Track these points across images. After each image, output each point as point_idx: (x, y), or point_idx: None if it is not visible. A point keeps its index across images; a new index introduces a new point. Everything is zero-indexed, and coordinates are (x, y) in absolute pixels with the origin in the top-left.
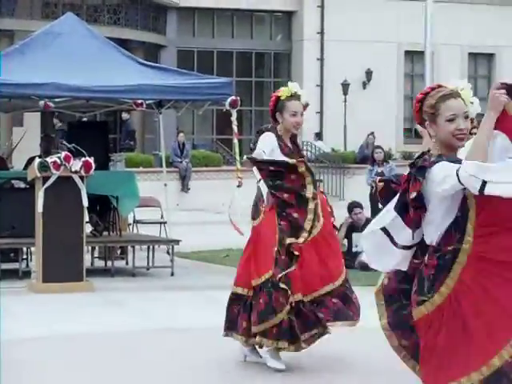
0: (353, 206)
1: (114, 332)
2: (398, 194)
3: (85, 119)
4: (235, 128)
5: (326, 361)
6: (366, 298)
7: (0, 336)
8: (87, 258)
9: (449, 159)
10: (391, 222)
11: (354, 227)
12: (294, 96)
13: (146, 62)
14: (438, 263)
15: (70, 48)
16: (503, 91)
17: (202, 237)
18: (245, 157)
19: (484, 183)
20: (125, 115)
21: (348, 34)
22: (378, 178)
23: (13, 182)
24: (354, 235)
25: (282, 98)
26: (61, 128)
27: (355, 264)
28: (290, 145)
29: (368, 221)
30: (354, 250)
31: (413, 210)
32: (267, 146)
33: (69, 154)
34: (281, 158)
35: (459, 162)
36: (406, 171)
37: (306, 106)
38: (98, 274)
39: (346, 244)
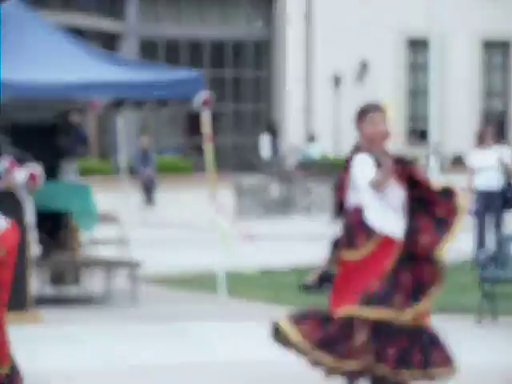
0: None
1: (65, 372)
2: None
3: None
4: (207, 130)
5: None
6: None
7: None
8: (35, 283)
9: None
10: None
11: None
12: None
13: (102, 54)
14: None
15: (12, 38)
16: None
17: (169, 257)
18: None
19: None
20: (74, 116)
21: (339, 18)
22: None
23: None
24: None
25: None
26: None
27: None
28: None
29: None
30: None
31: None
32: None
33: (13, 161)
34: None
35: None
36: None
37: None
38: (48, 302)
39: None
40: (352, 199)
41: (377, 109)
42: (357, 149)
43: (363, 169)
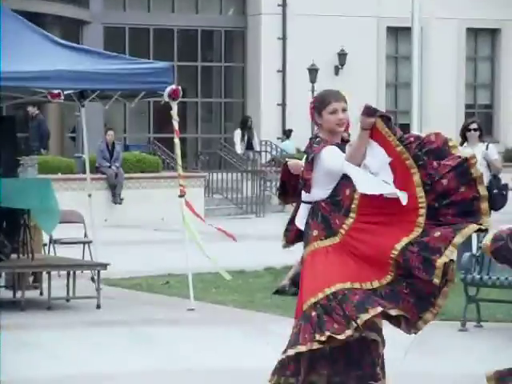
0: None
1: (23, 380)
2: None
3: None
4: (176, 124)
5: None
6: None
7: None
8: None
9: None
10: None
11: None
12: None
13: (64, 42)
14: None
15: None
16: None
17: (135, 259)
18: None
19: None
20: (31, 109)
21: (316, 6)
22: None
23: None
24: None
25: None
26: None
27: None
28: None
29: None
30: None
31: None
32: None
33: None
34: None
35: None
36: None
37: None
38: (5, 307)
39: None
40: (317, 195)
41: (338, 97)
42: (317, 140)
43: (333, 155)
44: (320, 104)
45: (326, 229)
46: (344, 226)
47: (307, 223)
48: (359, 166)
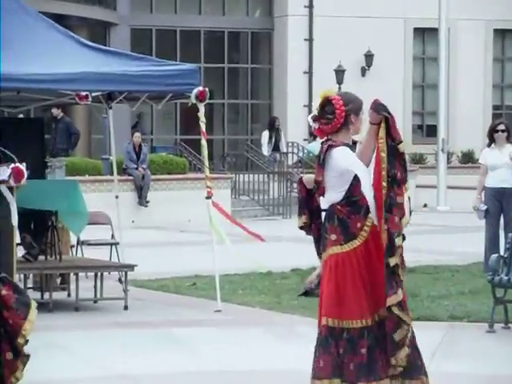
0: None
1: (50, 381)
2: None
3: (21, 115)
4: (203, 126)
5: None
6: None
7: None
8: None
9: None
10: None
11: None
12: None
13: (91, 44)
14: None
15: None
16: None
17: (162, 261)
18: None
19: None
20: (55, 111)
21: (342, 7)
22: None
23: None
24: None
25: None
26: None
27: None
28: None
29: None
30: None
31: None
32: None
33: None
34: None
35: None
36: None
37: None
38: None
39: None
40: (331, 198)
41: (362, 106)
42: (330, 145)
43: (345, 154)
44: (358, 106)
45: (344, 233)
46: (365, 228)
47: (324, 226)
48: (368, 164)
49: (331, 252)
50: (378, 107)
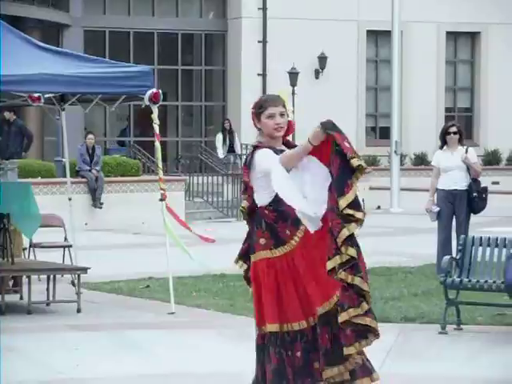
0: None
1: None
2: None
3: None
4: (157, 128)
5: None
6: None
7: None
8: None
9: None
10: None
11: None
12: None
13: (44, 45)
14: None
15: None
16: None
17: (115, 263)
18: None
19: None
20: (7, 114)
21: (296, 10)
22: None
23: None
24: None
25: None
26: None
27: None
28: None
29: None
30: None
31: None
32: None
33: None
34: None
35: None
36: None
37: None
38: None
39: None
40: (259, 199)
41: (276, 101)
42: (256, 147)
43: (266, 156)
44: (258, 109)
45: (273, 238)
46: (295, 237)
47: (252, 229)
48: (288, 170)
49: (262, 256)
50: (327, 125)
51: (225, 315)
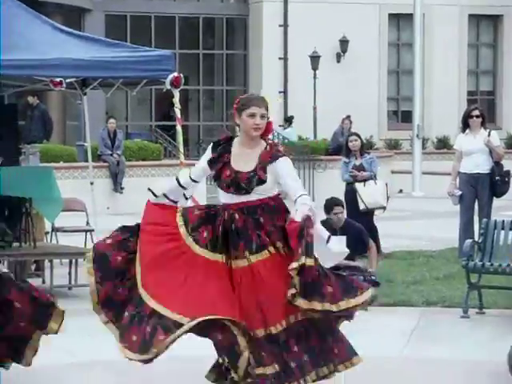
0: (332, 204)
1: (26, 369)
2: None
3: None
4: (178, 112)
5: None
6: None
7: None
8: None
9: None
10: None
11: (333, 229)
12: None
13: (66, 29)
14: None
15: None
16: None
17: None
18: None
19: None
20: (31, 99)
21: None
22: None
23: None
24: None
25: None
26: None
27: None
28: None
29: (347, 222)
30: None
31: None
32: None
33: None
34: None
35: None
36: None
37: None
38: None
39: None
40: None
41: (260, 102)
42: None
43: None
44: (242, 105)
45: None
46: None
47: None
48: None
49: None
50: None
51: None
